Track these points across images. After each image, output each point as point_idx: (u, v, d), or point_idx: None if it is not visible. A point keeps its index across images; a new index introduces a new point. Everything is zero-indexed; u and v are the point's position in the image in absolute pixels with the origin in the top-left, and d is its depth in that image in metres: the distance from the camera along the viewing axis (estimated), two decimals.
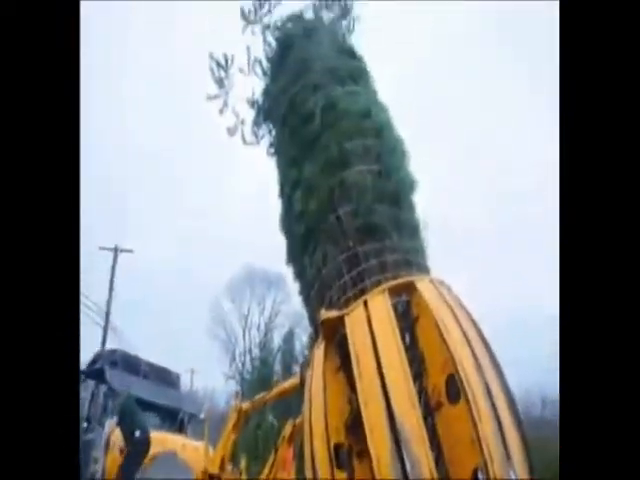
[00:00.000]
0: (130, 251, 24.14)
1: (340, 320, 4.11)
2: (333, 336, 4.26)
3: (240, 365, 34.56)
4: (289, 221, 5.22)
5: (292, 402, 6.10)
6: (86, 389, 10.02)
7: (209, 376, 39.96)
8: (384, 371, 3.52)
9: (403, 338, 3.84)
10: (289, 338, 31.79)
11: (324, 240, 4.61)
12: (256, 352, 34.73)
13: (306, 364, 4.71)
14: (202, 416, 10.68)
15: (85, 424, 9.28)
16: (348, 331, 3.96)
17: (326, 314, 4.26)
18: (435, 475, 3.13)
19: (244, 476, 6.13)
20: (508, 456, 3.25)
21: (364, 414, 3.44)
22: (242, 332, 36.34)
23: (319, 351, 4.27)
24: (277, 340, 34.62)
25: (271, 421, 13.64)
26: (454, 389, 3.52)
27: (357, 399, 3.59)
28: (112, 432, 7.81)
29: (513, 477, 3.19)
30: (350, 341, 3.87)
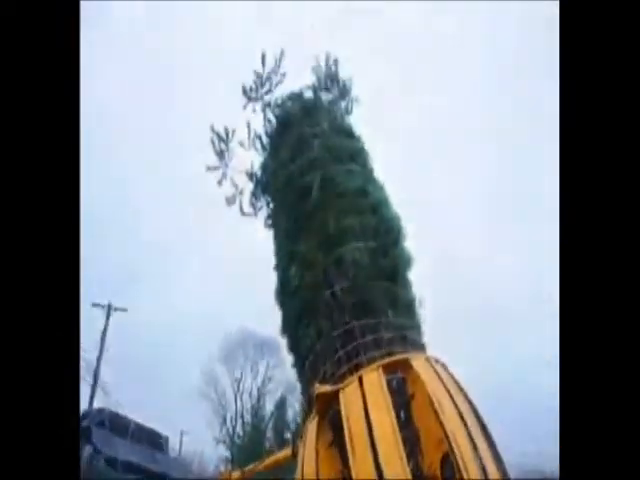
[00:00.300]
0: (124, 310, 23.84)
1: (334, 395, 4.07)
2: (327, 410, 4.21)
3: (231, 429, 33.52)
4: (284, 294, 5.21)
5: (283, 472, 5.91)
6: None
7: (199, 439, 38.55)
8: (377, 447, 3.47)
9: (398, 415, 3.82)
10: (281, 405, 31.09)
11: (319, 315, 4.61)
12: (248, 417, 33.83)
13: (299, 435, 4.64)
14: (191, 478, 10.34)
15: None
16: (342, 406, 3.92)
17: (320, 389, 4.22)
18: None
19: None
20: None
21: None
22: (234, 396, 35.64)
23: (312, 425, 4.21)
24: (269, 406, 33.89)
25: None
26: (449, 468, 3.47)
27: (350, 474, 3.52)
28: None
29: None
30: (344, 416, 3.83)
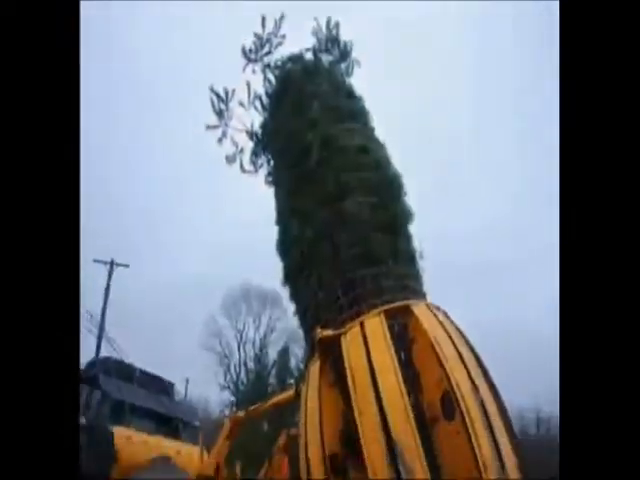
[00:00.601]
0: (126, 265, 24.08)
1: (336, 339, 4.24)
2: (329, 354, 4.37)
3: (235, 376, 34.75)
4: (285, 246, 5.33)
5: (286, 413, 6.33)
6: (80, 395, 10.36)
7: (203, 386, 39.92)
8: (379, 386, 3.66)
9: (399, 357, 3.97)
10: (284, 353, 31.87)
11: (320, 265, 4.74)
12: (251, 365, 34.90)
13: (301, 378, 4.90)
14: (196, 423, 10.83)
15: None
16: (344, 349, 4.10)
17: (322, 333, 4.36)
18: None
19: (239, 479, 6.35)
20: (502, 466, 3.41)
21: (359, 428, 3.59)
22: (237, 346, 36.55)
23: (315, 367, 4.41)
24: (272, 355, 34.90)
25: (266, 430, 13.77)
26: (450, 406, 3.66)
27: (352, 411, 3.73)
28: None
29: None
30: (346, 359, 4.02)
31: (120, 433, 8.25)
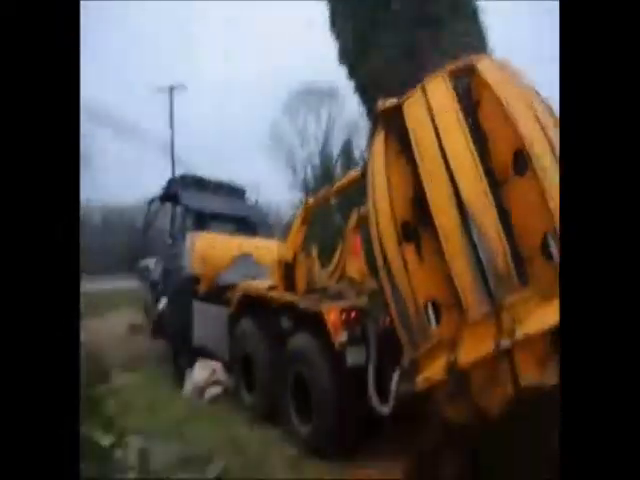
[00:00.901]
0: (184, 87, 24.78)
1: (398, 108, 4.07)
2: (392, 125, 4.21)
3: (302, 175, 36.75)
4: (341, 21, 4.94)
5: (355, 197, 6.38)
6: (165, 213, 11.27)
7: (273, 192, 42.47)
8: (446, 149, 3.54)
9: (465, 119, 3.75)
10: (347, 147, 32.35)
11: (377, 34, 4.46)
12: (316, 162, 36.39)
13: (367, 157, 4.85)
14: (270, 222, 11.67)
15: (170, 241, 10.58)
16: (407, 117, 3.94)
17: (384, 103, 4.21)
18: (504, 243, 3.28)
19: (317, 263, 6.84)
20: None
21: (428, 194, 3.56)
22: (300, 146, 38.03)
23: (379, 140, 4.27)
24: (335, 151, 35.81)
25: (339, 222, 14.52)
26: (522, 163, 3.51)
27: (420, 180, 3.70)
28: (193, 242, 8.83)
29: None
30: (410, 127, 3.86)
31: (204, 238, 8.92)
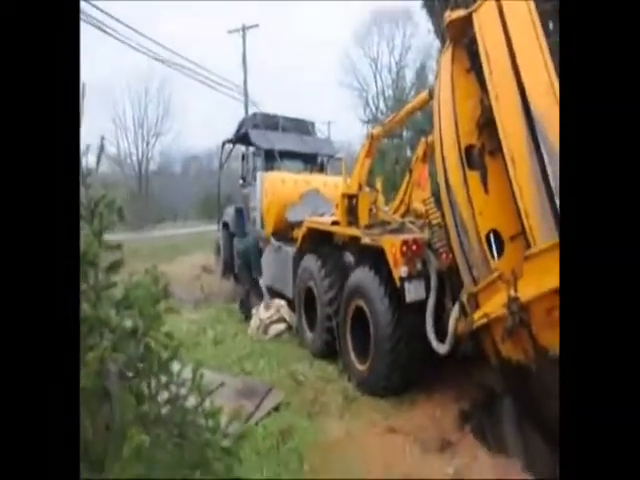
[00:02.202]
0: (256, 26, 24.99)
1: (468, 19, 3.89)
2: (461, 38, 4.06)
3: (374, 109, 35.86)
4: None
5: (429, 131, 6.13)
6: (238, 154, 11.72)
7: (345, 128, 42.06)
8: (518, 61, 3.30)
9: (543, 26, 3.55)
10: (422, 72, 31.16)
11: None
12: (389, 93, 35.40)
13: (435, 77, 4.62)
14: (339, 156, 11.65)
15: (241, 181, 11.00)
16: (477, 28, 3.71)
17: (452, 15, 4.02)
18: None
19: (381, 197, 6.72)
20: None
21: (496, 109, 3.36)
22: (373, 76, 37.00)
23: (446, 56, 4.10)
24: (409, 78, 34.69)
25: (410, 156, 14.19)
26: None
27: (488, 97, 3.50)
28: (262, 181, 9.06)
29: None
30: (479, 37, 3.63)
31: (274, 177, 9.13)
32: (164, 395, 2.15)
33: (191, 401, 2.23)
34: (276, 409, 4.67)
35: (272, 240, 8.54)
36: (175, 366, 2.18)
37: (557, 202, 2.97)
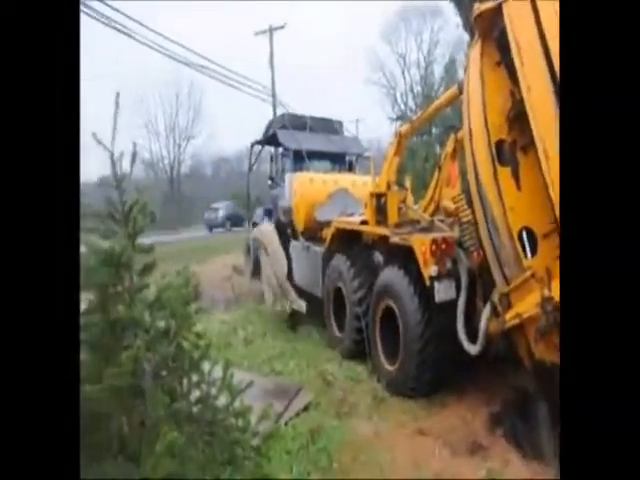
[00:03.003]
0: (282, 27, 25.31)
1: (497, 10, 3.84)
2: (491, 30, 4.02)
3: (403, 105, 35.67)
4: None
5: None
6: (267, 156, 11.85)
7: (374, 125, 41.99)
8: (551, 51, 3.26)
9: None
10: (451, 67, 30.87)
11: None
12: (418, 89, 35.16)
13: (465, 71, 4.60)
14: (367, 154, 11.64)
15: (270, 182, 11.17)
16: (507, 19, 3.67)
17: (481, 6, 3.99)
18: None
19: (410, 196, 6.70)
20: None
21: (528, 101, 3.35)
22: (401, 72, 36.82)
23: (475, 50, 4.08)
24: (438, 73, 34.42)
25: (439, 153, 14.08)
26: None
27: (519, 90, 3.48)
28: (291, 182, 9.16)
29: None
30: (510, 28, 3.61)
31: (302, 178, 9.22)
32: (196, 394, 2.22)
33: (222, 400, 2.30)
34: (305, 409, 4.72)
35: (301, 240, 8.61)
36: (206, 365, 2.26)
37: None
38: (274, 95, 25.02)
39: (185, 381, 2.18)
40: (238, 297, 10.61)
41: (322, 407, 4.82)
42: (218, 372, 2.34)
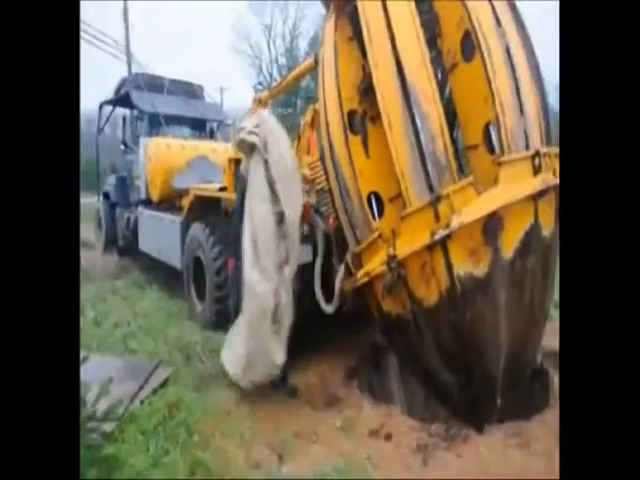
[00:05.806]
0: None
1: None
2: (344, 6, 4.34)
3: (268, 76, 36.11)
4: None
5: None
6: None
7: (238, 95, 41.51)
8: (395, 33, 3.67)
9: (417, 4, 3.87)
10: (315, 42, 31.72)
11: None
12: (283, 61, 35.74)
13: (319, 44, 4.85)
14: (229, 122, 11.57)
15: (122, 147, 10.67)
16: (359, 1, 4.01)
17: None
18: (446, 131, 3.49)
19: None
20: (522, 112, 3.60)
21: (375, 77, 3.72)
22: (267, 44, 37.22)
23: (329, 24, 4.42)
24: (303, 47, 35.27)
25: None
26: (469, 47, 3.71)
27: (369, 66, 3.82)
28: (146, 148, 8.87)
29: (524, 131, 3.60)
30: (360, 6, 3.97)
31: (158, 143, 9.05)
32: None
33: None
34: (163, 385, 4.68)
35: (158, 210, 8.43)
36: None
37: (429, 166, 3.37)
38: (128, 52, 22.91)
39: None
40: (87, 272, 9.97)
41: (181, 381, 4.80)
42: None
